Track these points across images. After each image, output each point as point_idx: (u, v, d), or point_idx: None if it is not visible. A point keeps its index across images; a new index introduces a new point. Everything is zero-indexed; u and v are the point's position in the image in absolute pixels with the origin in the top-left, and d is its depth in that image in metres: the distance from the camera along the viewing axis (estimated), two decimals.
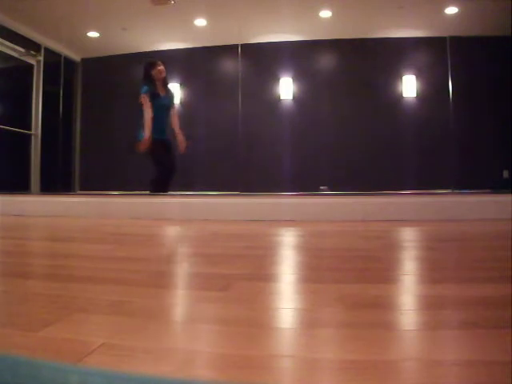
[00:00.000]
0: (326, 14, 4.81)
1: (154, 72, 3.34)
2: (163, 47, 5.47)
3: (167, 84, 3.50)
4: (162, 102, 3.38)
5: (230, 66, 5.75)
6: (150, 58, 3.51)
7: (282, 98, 5.55)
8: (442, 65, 5.26)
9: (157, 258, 1.29)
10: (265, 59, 5.60)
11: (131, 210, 2.94)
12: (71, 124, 6.09)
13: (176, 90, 5.56)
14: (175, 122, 3.52)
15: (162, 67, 3.36)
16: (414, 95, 5.34)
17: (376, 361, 0.48)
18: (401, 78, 5.36)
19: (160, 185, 3.37)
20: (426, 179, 4.95)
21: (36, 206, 3.16)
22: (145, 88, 3.32)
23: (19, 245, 1.62)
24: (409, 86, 5.33)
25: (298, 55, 5.51)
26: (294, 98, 5.55)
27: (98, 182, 5.60)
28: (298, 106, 5.56)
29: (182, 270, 1.11)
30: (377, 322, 0.63)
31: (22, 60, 5.16)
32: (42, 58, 5.37)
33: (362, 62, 5.37)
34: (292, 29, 5.23)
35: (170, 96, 3.51)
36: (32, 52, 5.18)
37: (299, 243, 1.73)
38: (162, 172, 3.39)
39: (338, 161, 5.28)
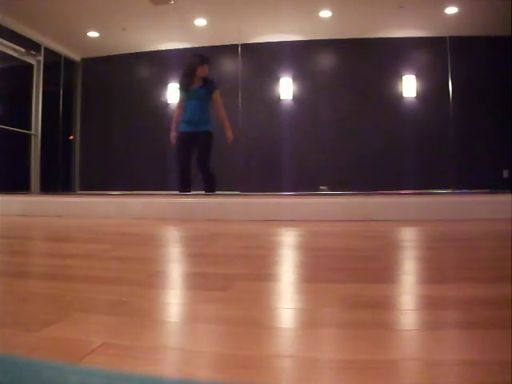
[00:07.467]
0: (326, 13, 4.82)
1: (198, 69, 3.43)
2: (163, 47, 5.47)
3: (207, 80, 3.53)
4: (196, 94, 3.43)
5: (230, 66, 5.74)
6: (202, 55, 3.54)
7: (282, 98, 5.55)
8: (442, 65, 5.26)
9: (157, 258, 1.29)
10: (265, 59, 5.59)
11: (131, 209, 2.94)
12: (71, 124, 6.09)
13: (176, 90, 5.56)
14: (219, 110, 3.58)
15: (203, 67, 3.43)
16: (414, 95, 5.34)
17: (376, 361, 0.48)
18: (401, 78, 5.36)
19: (179, 182, 3.42)
20: (425, 179, 4.95)
21: (36, 206, 3.16)
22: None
23: (19, 244, 1.62)
24: (409, 86, 5.33)
25: (298, 55, 5.51)
26: (293, 97, 5.54)
27: (98, 181, 5.60)
28: (298, 106, 5.56)
29: (182, 270, 1.11)
30: (377, 321, 0.63)
31: (22, 60, 5.16)
32: (41, 58, 5.37)
33: (362, 62, 5.36)
34: (292, 29, 5.23)
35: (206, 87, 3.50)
36: (32, 52, 5.17)
37: (299, 243, 1.73)
38: (178, 168, 3.44)
39: (338, 161, 5.28)
